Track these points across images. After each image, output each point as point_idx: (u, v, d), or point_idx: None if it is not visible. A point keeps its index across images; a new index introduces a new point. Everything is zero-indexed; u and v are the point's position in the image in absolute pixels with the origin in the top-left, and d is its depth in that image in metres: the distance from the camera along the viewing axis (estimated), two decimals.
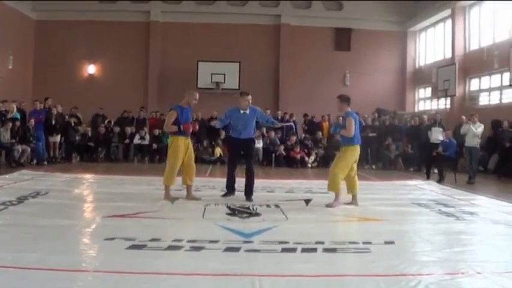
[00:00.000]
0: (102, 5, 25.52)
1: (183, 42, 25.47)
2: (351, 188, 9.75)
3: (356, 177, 9.75)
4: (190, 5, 25.88)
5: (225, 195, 10.32)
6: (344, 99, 9.76)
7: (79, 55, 25.32)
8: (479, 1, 21.84)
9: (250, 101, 10.27)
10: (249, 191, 10.14)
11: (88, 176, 13.87)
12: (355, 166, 9.70)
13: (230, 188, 10.40)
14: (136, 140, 20.39)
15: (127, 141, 20.62)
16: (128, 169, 16.51)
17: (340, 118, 11.45)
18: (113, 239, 6.24)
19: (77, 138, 19.70)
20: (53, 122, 18.32)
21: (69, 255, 5.46)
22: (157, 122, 21.64)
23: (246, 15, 25.93)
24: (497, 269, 5.33)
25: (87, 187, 11.91)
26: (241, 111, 10.18)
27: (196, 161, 19.94)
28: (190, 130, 9.71)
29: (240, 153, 10.58)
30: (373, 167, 19.85)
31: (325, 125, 21.59)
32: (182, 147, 9.54)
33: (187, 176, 9.78)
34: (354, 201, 9.71)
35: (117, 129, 20.90)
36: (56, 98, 19.92)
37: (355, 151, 9.57)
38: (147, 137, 20.39)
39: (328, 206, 9.32)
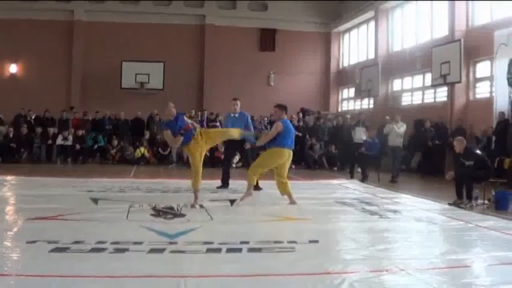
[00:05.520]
0: (24, 3, 24.73)
1: (107, 41, 25.08)
2: (282, 190, 10.03)
3: (286, 181, 10.01)
4: (115, 5, 25.45)
5: (220, 187, 12.04)
6: (281, 108, 10.17)
7: (0, 54, 24.57)
8: (402, 3, 22.37)
9: (239, 106, 12.08)
10: None
11: (10, 178, 13.49)
12: (283, 170, 9.94)
13: (225, 183, 12.17)
14: (59, 141, 20.02)
15: (50, 142, 20.23)
16: (51, 170, 16.20)
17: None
18: (35, 241, 6.15)
19: None
20: None
21: None
22: (81, 123, 21.31)
23: (171, 15, 25.76)
24: (420, 266, 5.54)
25: (8, 189, 11.60)
26: (232, 115, 12.07)
27: (120, 161, 19.74)
28: (192, 127, 9.46)
29: (235, 152, 13.49)
30: (293, 166, 20.07)
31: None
32: (198, 147, 9.46)
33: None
34: (291, 201, 9.98)
35: (39, 129, 20.45)
36: None
37: (278, 153, 9.80)
38: (70, 137, 20.05)
39: (241, 199, 9.74)
